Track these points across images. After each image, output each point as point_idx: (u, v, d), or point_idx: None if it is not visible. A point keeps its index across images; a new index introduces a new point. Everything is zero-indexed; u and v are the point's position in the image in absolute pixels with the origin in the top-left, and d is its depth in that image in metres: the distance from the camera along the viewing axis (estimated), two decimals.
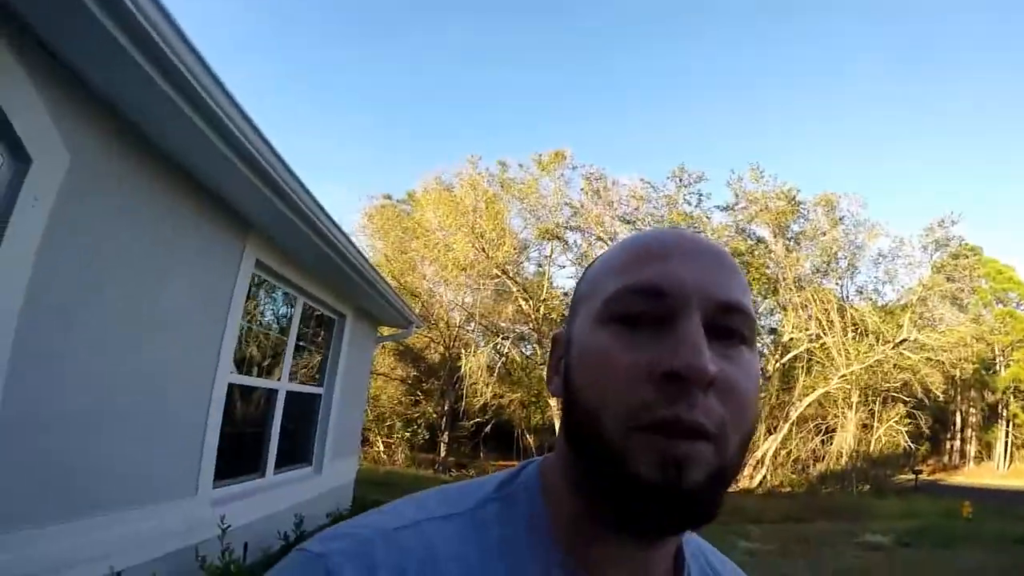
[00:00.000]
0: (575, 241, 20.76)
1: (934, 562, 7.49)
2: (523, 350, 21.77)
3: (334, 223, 4.47)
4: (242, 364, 4.68)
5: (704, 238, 0.51)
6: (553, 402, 18.74)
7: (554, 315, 20.07)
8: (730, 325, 0.45)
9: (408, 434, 19.00)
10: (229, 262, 3.99)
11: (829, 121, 43.54)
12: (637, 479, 0.41)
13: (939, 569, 7.14)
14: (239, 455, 4.56)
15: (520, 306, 20.15)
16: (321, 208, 4.13)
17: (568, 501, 0.49)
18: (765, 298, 19.82)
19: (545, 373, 0.63)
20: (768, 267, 19.07)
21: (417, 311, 15.34)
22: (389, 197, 24.43)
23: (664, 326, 0.44)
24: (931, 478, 25.54)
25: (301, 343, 5.80)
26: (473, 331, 21.65)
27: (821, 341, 17.90)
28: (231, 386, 4.16)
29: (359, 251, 5.34)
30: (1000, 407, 32.13)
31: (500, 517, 0.49)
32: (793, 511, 12.53)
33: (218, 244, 3.86)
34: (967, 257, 19.29)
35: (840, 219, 18.80)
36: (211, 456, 3.76)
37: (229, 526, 3.55)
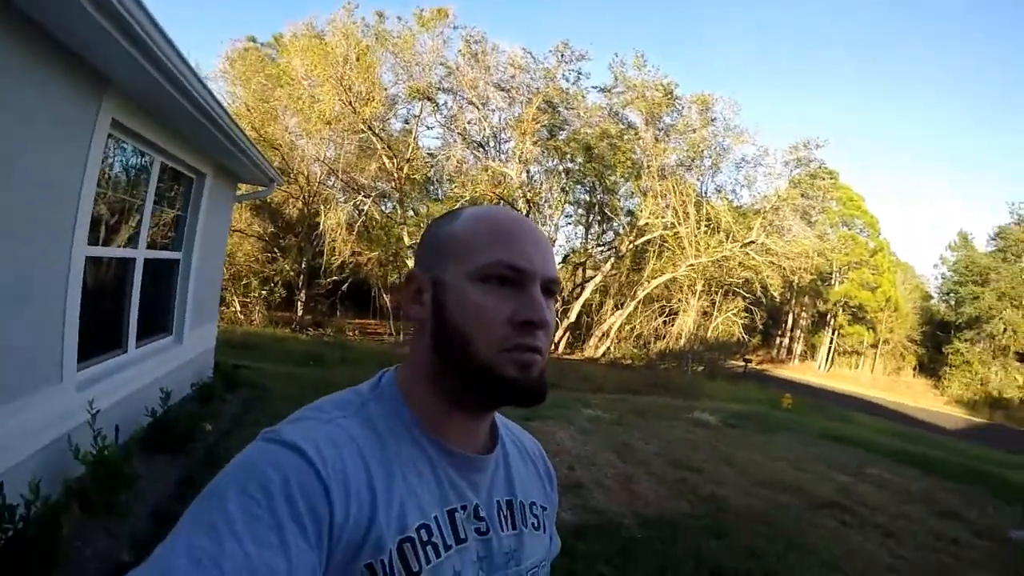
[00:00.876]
0: (446, 102, 20.06)
1: (756, 442, 8.54)
2: (383, 208, 21.32)
3: (199, 79, 3.98)
4: (97, 233, 4.23)
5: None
6: (411, 262, 18.77)
7: (417, 175, 19.67)
8: (551, 289, 0.73)
9: (265, 292, 18.42)
10: (83, 124, 3.47)
11: (723, 38, 43.86)
12: (504, 378, 0.68)
13: (758, 448, 8.18)
14: (100, 332, 4.23)
15: (384, 164, 19.50)
16: (185, 62, 3.64)
17: (426, 394, 0.73)
18: (627, 181, 20.74)
19: (401, 298, 0.80)
20: (635, 153, 19.76)
21: (276, 164, 14.35)
22: (253, 40, 21.82)
23: (519, 288, 0.70)
24: (759, 368, 29.49)
25: (158, 206, 5.30)
26: (333, 187, 20.76)
27: (675, 230, 19.21)
28: (88, 259, 3.78)
29: (225, 110, 4.83)
30: (829, 316, 37.23)
31: (378, 411, 0.72)
32: (632, 383, 13.89)
33: (71, 104, 3.33)
34: (824, 179, 21.28)
35: (712, 120, 19.70)
36: (73, 337, 3.47)
37: (98, 410, 3.39)
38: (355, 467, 0.63)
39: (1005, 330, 32.54)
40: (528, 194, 19.44)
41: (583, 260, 22.52)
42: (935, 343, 36.86)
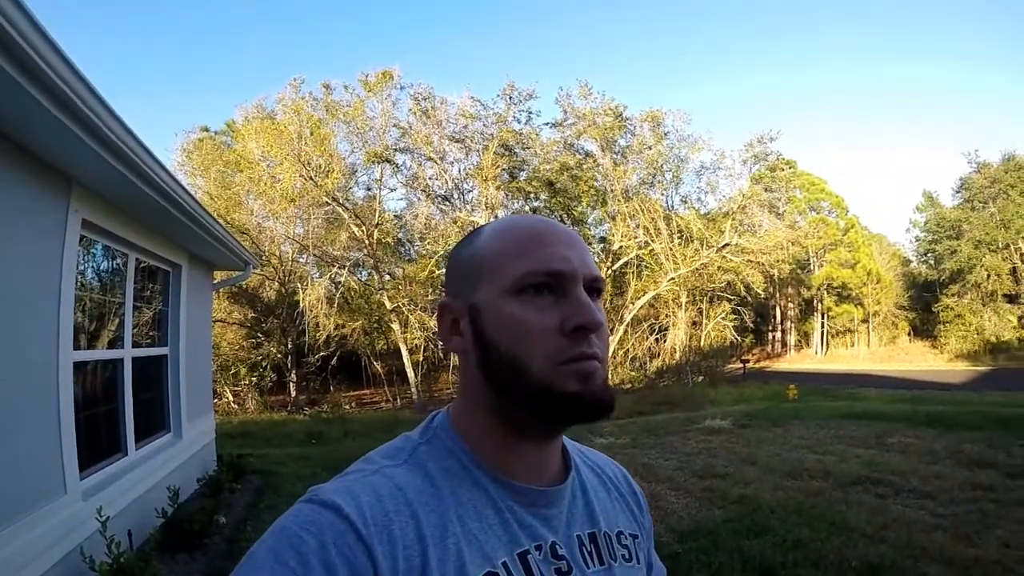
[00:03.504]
0: (404, 162, 20.32)
1: (772, 438, 8.48)
2: (360, 277, 21.29)
3: (164, 169, 3.98)
4: (81, 336, 4.15)
5: (567, 227, 0.73)
6: (396, 326, 18.70)
7: (388, 239, 19.73)
8: (596, 288, 0.67)
9: (255, 378, 18.15)
10: (55, 226, 3.44)
11: (656, 37, 45.36)
12: (567, 394, 0.62)
13: (776, 442, 8.11)
14: (98, 437, 4.11)
15: (353, 232, 19.56)
16: (150, 153, 3.64)
17: (485, 428, 0.67)
18: (594, 209, 20.98)
19: (438, 332, 0.74)
20: (596, 180, 20.06)
21: (248, 248, 14.31)
22: (207, 130, 22.12)
23: (561, 294, 0.64)
24: (757, 366, 29.47)
25: (138, 303, 5.23)
26: (307, 263, 20.78)
27: (650, 248, 19.37)
28: (76, 364, 3.69)
29: (192, 197, 4.83)
30: (815, 301, 37.43)
31: (430, 454, 0.66)
32: (637, 406, 13.69)
33: (40, 208, 3.30)
34: (783, 170, 21.75)
35: (665, 134, 20.08)
36: (71, 446, 3.35)
37: (108, 517, 3.26)
38: (402, 519, 0.58)
39: (988, 276, 32.65)
40: None
41: None
42: (924, 304, 37.00)
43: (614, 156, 19.89)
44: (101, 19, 41.41)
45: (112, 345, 4.65)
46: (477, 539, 0.61)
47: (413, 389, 19.24)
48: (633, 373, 20.35)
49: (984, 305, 32.94)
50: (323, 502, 0.57)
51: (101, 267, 5.01)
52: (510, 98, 19.19)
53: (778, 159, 21.10)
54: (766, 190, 20.37)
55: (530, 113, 19.76)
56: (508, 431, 0.67)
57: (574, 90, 19.64)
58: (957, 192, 37.16)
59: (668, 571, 0.86)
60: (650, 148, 20.01)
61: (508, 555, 0.62)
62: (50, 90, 2.53)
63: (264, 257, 18.43)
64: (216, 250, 6.42)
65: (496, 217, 18.45)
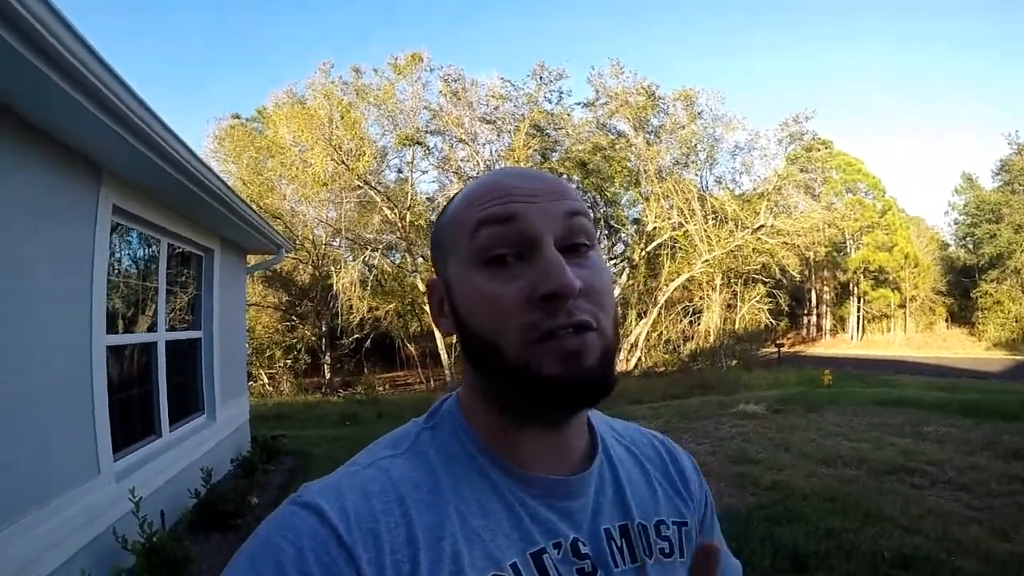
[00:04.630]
0: (436, 145, 20.27)
1: (806, 424, 8.30)
2: (392, 259, 21.44)
3: (192, 153, 4.01)
4: (115, 321, 4.24)
5: (541, 172, 0.62)
6: (431, 319, 18.80)
7: (420, 221, 19.81)
8: (575, 241, 0.56)
9: (290, 361, 18.50)
10: (86, 213, 3.50)
11: (692, 19, 44.26)
12: (544, 377, 0.52)
13: (810, 428, 7.94)
14: (131, 420, 4.22)
15: (385, 215, 19.66)
16: (177, 138, 3.67)
17: (485, 412, 0.60)
18: (627, 190, 20.68)
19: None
20: (630, 160, 19.74)
21: (281, 232, 14.52)
22: (238, 116, 22.38)
23: (527, 258, 0.54)
24: (792, 350, 28.96)
25: (171, 287, 5.33)
26: (340, 246, 20.97)
27: (684, 229, 19.04)
28: (109, 348, 3.77)
29: (222, 181, 4.87)
30: (851, 285, 36.50)
31: (433, 441, 0.60)
32: (670, 389, 13.58)
33: (71, 194, 3.36)
34: (819, 150, 21.15)
35: (699, 113, 19.60)
36: (105, 428, 3.44)
37: (141, 498, 3.34)
38: (391, 520, 0.52)
39: None
40: None
41: None
42: (962, 290, 35.79)
43: (647, 136, 19.52)
44: (130, 10, 42.11)
45: (146, 329, 4.75)
46: (480, 538, 0.54)
47: (447, 371, 19.37)
48: (667, 356, 20.10)
49: None
50: (305, 504, 0.52)
51: (134, 253, 5.11)
52: (540, 78, 18.92)
53: (814, 139, 20.54)
54: (802, 171, 19.81)
55: (561, 93, 19.45)
56: (506, 416, 0.59)
57: (606, 69, 19.29)
58: (997, 174, 35.75)
59: None
60: (683, 128, 19.55)
61: (519, 555, 0.55)
62: (77, 80, 2.56)
63: (297, 241, 18.68)
64: (248, 234, 6.50)
65: None
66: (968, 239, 37.77)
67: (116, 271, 4.46)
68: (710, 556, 0.56)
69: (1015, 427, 7.25)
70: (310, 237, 20.02)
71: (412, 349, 21.61)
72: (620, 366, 18.72)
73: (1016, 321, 31.18)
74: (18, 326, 2.78)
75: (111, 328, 3.98)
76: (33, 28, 2.10)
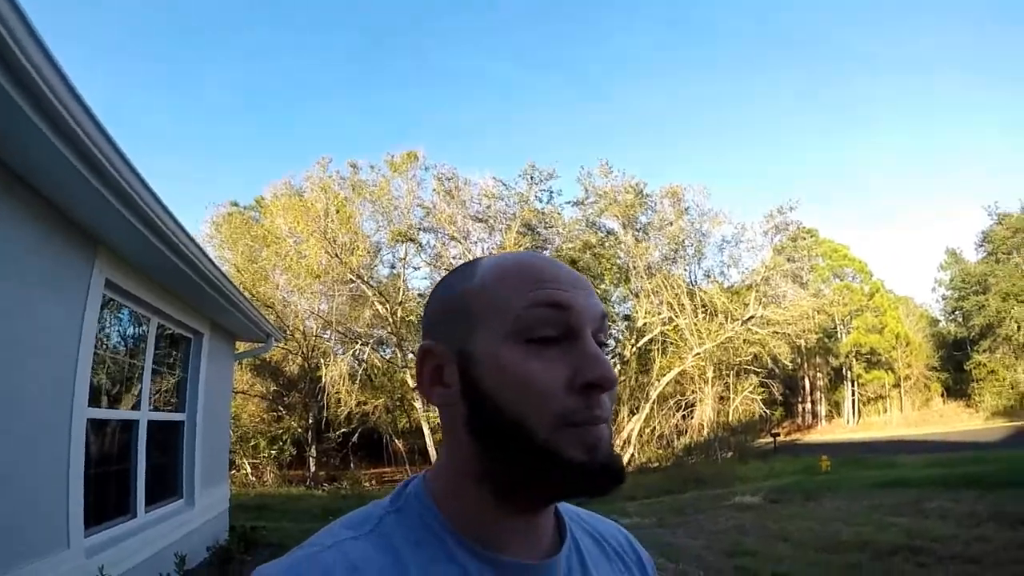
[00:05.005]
0: (428, 241, 20.75)
1: (805, 512, 8.14)
2: (382, 354, 21.35)
3: (188, 235, 4.14)
4: (98, 395, 4.21)
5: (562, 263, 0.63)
6: (419, 404, 18.54)
7: (412, 317, 19.92)
8: (602, 338, 0.59)
9: (275, 452, 18.02)
10: (78, 285, 3.56)
11: (676, 115, 46.52)
12: (571, 462, 0.52)
13: (809, 516, 7.78)
14: (107, 496, 4.09)
15: (377, 310, 19.80)
16: (173, 219, 3.80)
17: (469, 495, 0.58)
18: (617, 287, 21.01)
19: (417, 382, 0.63)
20: (619, 257, 20.23)
21: (272, 321, 14.56)
22: (236, 204, 22.96)
23: (568, 344, 0.55)
24: (788, 439, 28.48)
25: (157, 367, 5.31)
26: (331, 339, 20.93)
27: (674, 324, 19.18)
28: (90, 421, 3.73)
29: (215, 265, 4.98)
30: (844, 369, 36.47)
31: (399, 524, 0.57)
32: (665, 484, 13.26)
33: (65, 265, 3.43)
34: (805, 239, 21.73)
35: (686, 209, 20.28)
36: (78, 501, 3.34)
37: None
38: None
39: (1019, 328, 31.53)
40: None
41: None
42: (955, 364, 35.76)
43: (636, 233, 20.09)
44: (136, 91, 44.03)
45: (130, 407, 4.69)
46: None
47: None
48: (660, 451, 19.66)
49: (1017, 358, 31.72)
50: None
51: (123, 329, 5.13)
52: (531, 178, 19.67)
53: (799, 228, 21.12)
54: (788, 260, 20.24)
55: (551, 192, 20.20)
56: (498, 499, 0.57)
57: (595, 169, 20.13)
58: (980, 246, 36.71)
59: None
60: (671, 224, 20.13)
61: None
62: (83, 153, 2.69)
63: (288, 331, 18.66)
64: (239, 321, 6.55)
65: None
66: (957, 312, 38.19)
67: (104, 345, 4.47)
68: None
69: (1019, 494, 7.16)
70: (301, 328, 20.01)
71: (400, 445, 21.11)
72: None
73: (1012, 388, 31.00)
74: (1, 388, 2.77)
75: (94, 402, 3.94)
76: (32, 80, 2.20)
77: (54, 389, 3.31)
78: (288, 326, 18.96)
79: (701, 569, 5.76)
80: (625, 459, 18.49)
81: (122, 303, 4.49)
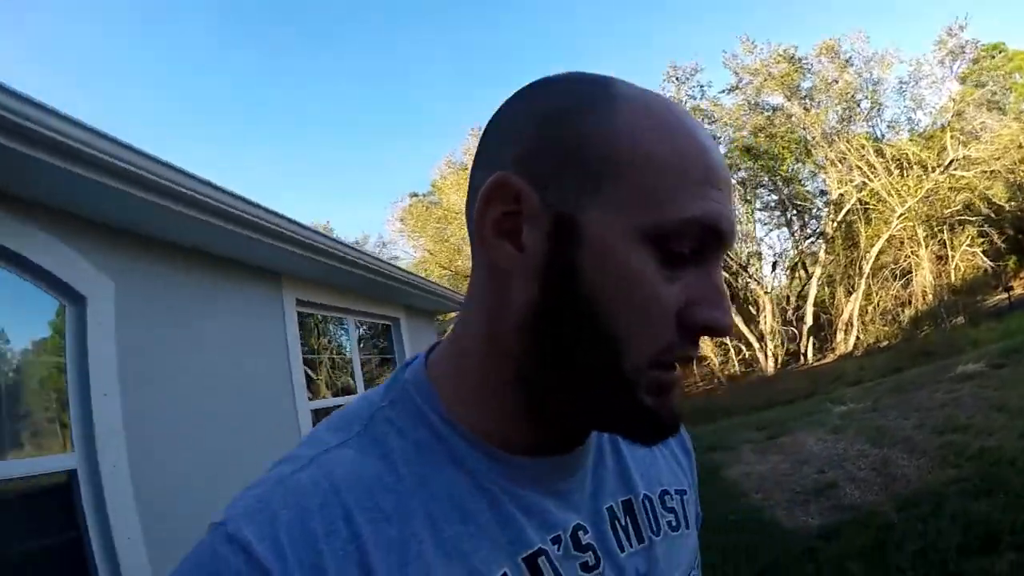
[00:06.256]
0: None
1: None
2: None
3: (347, 245, 4.95)
4: (318, 390, 5.26)
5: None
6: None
7: None
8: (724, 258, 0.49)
9: None
10: (274, 310, 4.53)
11: None
12: (640, 404, 0.44)
13: None
14: None
15: None
16: (334, 240, 4.63)
17: (490, 389, 0.48)
18: (802, 163, 19.26)
19: (475, 222, 0.46)
20: (793, 132, 18.45)
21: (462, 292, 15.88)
22: (415, 194, 24.97)
23: (699, 266, 0.43)
24: None
25: (364, 355, 6.36)
26: None
27: (869, 188, 17.24)
28: (314, 411, 4.74)
29: (391, 264, 5.84)
30: None
31: (393, 422, 0.47)
32: (894, 362, 12.25)
33: (259, 298, 4.39)
34: (992, 57, 18.03)
35: (847, 61, 17.83)
36: None
37: None
38: (336, 545, 0.40)
39: None
40: None
41: (796, 260, 20.84)
42: None
43: (802, 102, 18.16)
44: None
45: (345, 392, 5.76)
46: (459, 550, 0.43)
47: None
48: (885, 328, 17.88)
49: None
50: (229, 537, 0.39)
51: (324, 330, 6.24)
52: (676, 79, 18.76)
53: (979, 48, 17.34)
54: (978, 86, 16.80)
55: (702, 86, 19.17)
56: (531, 412, 0.48)
57: (738, 49, 18.43)
58: None
59: (881, 544, 0.64)
60: (836, 81, 17.88)
61: (509, 562, 0.45)
62: (263, 229, 3.51)
63: None
64: (429, 299, 7.42)
65: None
66: None
67: (314, 347, 5.53)
68: None
69: None
70: None
71: None
72: (839, 349, 17.14)
73: None
74: (238, 395, 3.76)
75: (316, 395, 4.98)
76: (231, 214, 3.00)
77: (279, 391, 4.32)
78: None
79: (906, 451, 5.52)
80: (850, 343, 17.28)
81: (315, 312, 5.49)
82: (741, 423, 10.00)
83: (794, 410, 9.97)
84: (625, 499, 0.55)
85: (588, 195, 0.42)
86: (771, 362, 17.67)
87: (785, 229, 21.72)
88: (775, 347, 17.99)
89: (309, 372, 5.17)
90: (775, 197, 21.03)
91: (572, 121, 0.44)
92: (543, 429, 0.49)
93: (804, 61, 18.17)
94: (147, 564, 2.74)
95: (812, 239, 20.10)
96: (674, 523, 0.58)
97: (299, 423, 4.39)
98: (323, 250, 4.38)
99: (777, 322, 18.37)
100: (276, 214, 3.74)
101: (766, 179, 19.63)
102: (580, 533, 0.49)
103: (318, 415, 4.90)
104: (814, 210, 20.25)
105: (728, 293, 0.45)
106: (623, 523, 0.53)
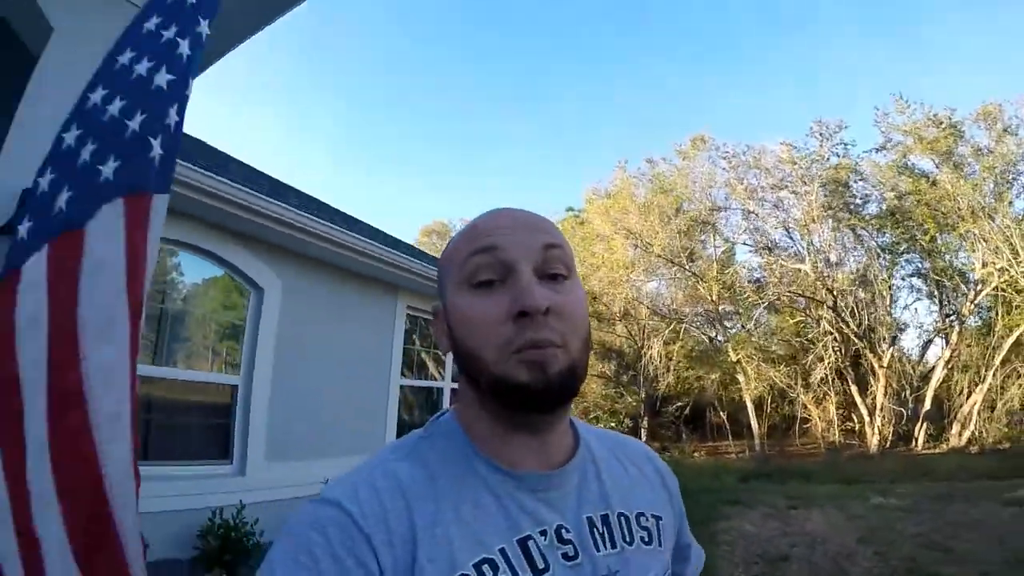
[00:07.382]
0: (727, 219, 20.92)
1: None
2: (707, 332, 22.09)
3: None
4: (408, 373, 7.14)
5: (525, 211, 0.73)
6: (741, 378, 18.85)
7: (728, 294, 20.24)
8: (553, 270, 0.68)
9: (613, 425, 20.56)
10: (389, 312, 6.51)
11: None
12: (516, 385, 0.64)
13: None
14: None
15: (693, 289, 20.73)
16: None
17: (480, 421, 0.70)
18: (946, 234, 17.42)
19: (435, 340, 0.75)
20: (940, 200, 16.84)
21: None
22: (571, 209, 26.41)
23: (507, 283, 0.66)
24: None
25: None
26: (655, 320, 22.52)
27: (1007, 274, 15.62)
28: (403, 387, 6.63)
29: None
30: None
31: (432, 447, 0.70)
32: (997, 470, 10.73)
33: (379, 303, 6.39)
34: None
35: (1005, 129, 16.09)
36: (392, 427, 6.27)
37: None
38: (395, 506, 0.62)
39: None
40: (828, 283, 18.22)
41: (931, 336, 19.40)
42: None
43: (952, 169, 16.75)
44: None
45: (430, 378, 7.61)
46: (471, 526, 0.63)
47: (756, 441, 19.31)
48: (1004, 430, 16.07)
49: None
50: (326, 500, 0.62)
51: (427, 333, 8.10)
52: (820, 134, 18.50)
53: None
54: None
55: (845, 145, 18.56)
56: (496, 422, 0.69)
57: (890, 108, 17.57)
58: None
59: None
60: (990, 152, 16.28)
61: (506, 541, 0.64)
62: (385, 260, 5.49)
63: (617, 316, 21.20)
64: None
65: (827, 260, 16.65)
66: None
67: (416, 343, 7.42)
68: None
69: None
70: (632, 313, 22.26)
71: (724, 417, 21.85)
72: (952, 442, 15.64)
73: None
74: (354, 367, 5.80)
75: (406, 376, 6.87)
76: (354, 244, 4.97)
77: (384, 369, 6.29)
78: (615, 312, 21.46)
79: (874, 554, 5.41)
80: (965, 436, 15.69)
81: (420, 316, 7.39)
82: (782, 489, 9.63)
83: (842, 490, 9.47)
84: (603, 513, 0.71)
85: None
86: (875, 439, 16.94)
87: (928, 302, 20.38)
88: (882, 424, 17.17)
89: (405, 360, 7.07)
90: (915, 267, 19.81)
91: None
92: (531, 440, 0.70)
93: (959, 125, 16.75)
94: (263, 459, 4.75)
95: (950, 317, 18.61)
96: (647, 539, 0.74)
97: (390, 391, 6.32)
98: (426, 275, 6.25)
99: (889, 399, 17.39)
100: (395, 250, 5.69)
101: (906, 247, 18.69)
102: (563, 531, 0.67)
103: (403, 390, 6.79)
104: (952, 287, 18.58)
105: (532, 286, 0.65)
106: (600, 530, 0.70)
